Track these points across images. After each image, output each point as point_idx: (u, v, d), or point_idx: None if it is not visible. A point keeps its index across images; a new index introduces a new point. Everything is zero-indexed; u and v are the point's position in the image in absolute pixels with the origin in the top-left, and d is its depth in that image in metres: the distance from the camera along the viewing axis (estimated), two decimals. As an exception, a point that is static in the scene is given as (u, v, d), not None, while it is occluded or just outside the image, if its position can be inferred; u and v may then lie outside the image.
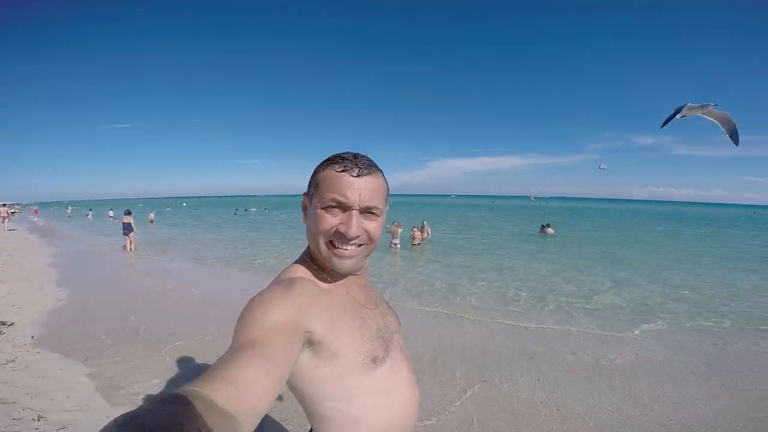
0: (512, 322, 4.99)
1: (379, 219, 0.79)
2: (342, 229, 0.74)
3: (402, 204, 57.37)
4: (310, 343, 0.70)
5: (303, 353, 0.69)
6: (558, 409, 2.84)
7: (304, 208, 0.84)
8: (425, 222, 13.24)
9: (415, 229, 12.44)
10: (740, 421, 2.72)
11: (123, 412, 0.37)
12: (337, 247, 0.76)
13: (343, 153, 0.79)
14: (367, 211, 0.76)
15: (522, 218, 29.58)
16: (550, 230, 16.86)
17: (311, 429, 0.82)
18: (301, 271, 0.82)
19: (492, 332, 4.60)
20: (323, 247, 0.77)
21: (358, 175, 0.75)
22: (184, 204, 61.52)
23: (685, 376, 3.43)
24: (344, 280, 0.85)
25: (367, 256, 0.83)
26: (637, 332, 4.65)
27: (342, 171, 0.75)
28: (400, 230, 11.77)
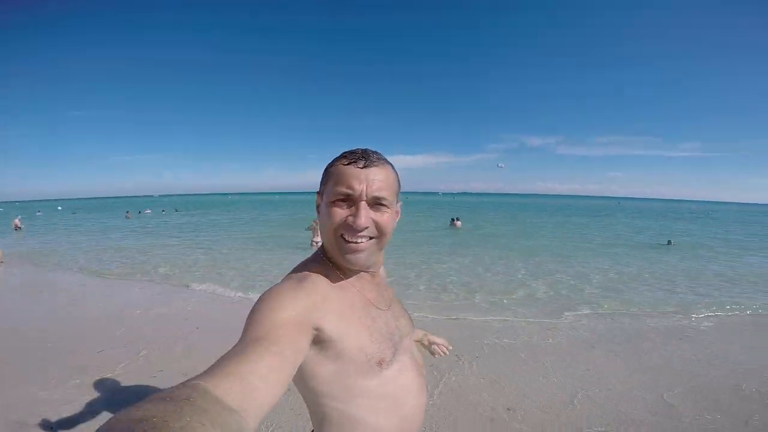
0: (455, 316, 5.20)
1: (389, 211, 0.79)
2: (350, 220, 0.74)
3: (314, 203, 57.32)
4: (317, 341, 0.70)
5: (309, 350, 0.68)
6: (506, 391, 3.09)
7: (318, 207, 0.84)
8: None
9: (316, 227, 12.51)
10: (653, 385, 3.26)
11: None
12: (349, 241, 0.76)
13: (353, 149, 0.80)
14: (376, 203, 0.76)
15: (434, 213, 31.01)
16: (458, 223, 18.34)
17: (312, 430, 0.83)
18: (314, 268, 0.81)
19: (436, 326, 4.67)
20: (335, 241, 0.77)
21: (364, 167, 0.75)
22: (60, 207, 52.63)
23: (604, 352, 3.97)
24: (357, 278, 0.84)
25: (380, 250, 0.83)
26: (564, 317, 5.20)
27: (348, 164, 0.76)
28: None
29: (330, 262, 0.83)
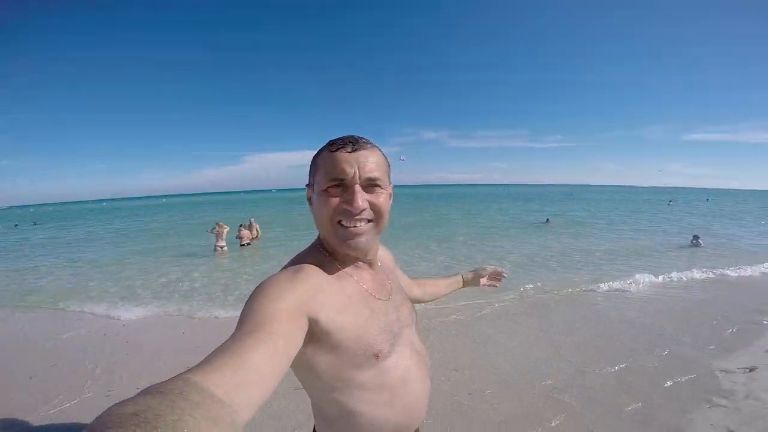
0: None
1: (384, 192, 0.78)
2: (346, 205, 0.73)
3: (218, 203, 53.18)
4: (313, 332, 0.68)
5: (306, 342, 0.66)
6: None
7: (309, 200, 0.83)
8: (252, 219, 12.23)
9: (242, 228, 11.34)
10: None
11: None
12: (347, 226, 0.75)
13: (338, 137, 0.78)
14: (370, 185, 0.76)
15: None
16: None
17: (314, 426, 0.86)
18: (311, 258, 0.80)
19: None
20: (332, 229, 0.76)
21: (353, 150, 0.75)
22: None
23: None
24: (355, 268, 0.83)
25: (378, 234, 0.81)
26: (491, 297, 5.49)
27: (337, 150, 0.75)
28: (225, 230, 10.41)
29: (327, 252, 0.82)
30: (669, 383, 3.07)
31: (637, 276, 6.64)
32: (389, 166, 0.83)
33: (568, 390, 3.00)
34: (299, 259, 0.81)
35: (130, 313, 5.44)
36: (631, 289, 6.11)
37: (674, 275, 6.86)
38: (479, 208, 28.00)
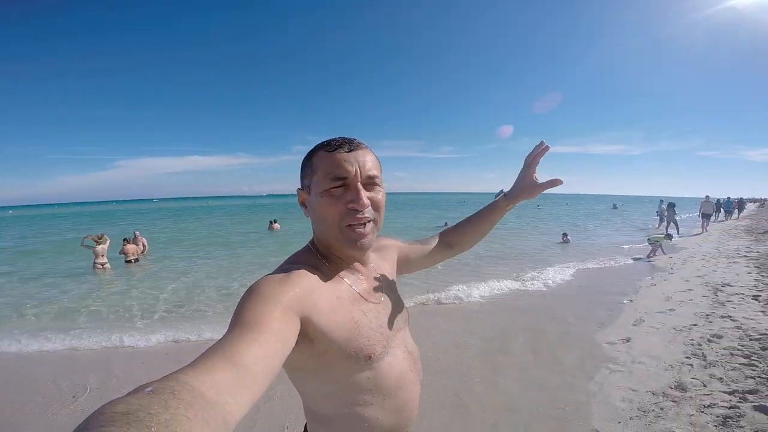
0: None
1: (382, 191, 0.80)
2: (352, 205, 0.73)
3: (82, 215, 44.18)
4: (305, 333, 0.67)
5: (296, 344, 0.64)
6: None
7: (302, 203, 0.83)
8: (137, 232, 10.75)
9: (125, 243, 9.86)
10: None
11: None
12: (354, 228, 0.75)
13: (330, 138, 0.79)
14: (369, 183, 0.77)
15: (245, 217, 30.19)
16: (276, 225, 17.65)
17: (306, 425, 0.87)
18: (304, 260, 0.80)
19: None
20: (339, 232, 0.76)
21: (350, 150, 0.76)
22: None
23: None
24: (348, 270, 0.83)
25: (378, 232, 0.82)
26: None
27: (334, 150, 0.75)
28: (106, 245, 8.94)
29: (319, 254, 0.82)
30: (573, 357, 3.58)
31: (528, 272, 7.67)
32: (381, 166, 0.84)
33: (492, 367, 3.31)
34: (292, 261, 0.81)
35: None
36: (525, 283, 7.00)
37: (552, 268, 8.09)
38: (394, 214, 28.92)
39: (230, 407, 0.43)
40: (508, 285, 6.87)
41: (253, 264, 9.38)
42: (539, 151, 1.03)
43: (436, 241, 1.13)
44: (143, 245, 10.61)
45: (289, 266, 0.76)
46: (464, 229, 1.13)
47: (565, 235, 12.87)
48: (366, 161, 0.76)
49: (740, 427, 2.22)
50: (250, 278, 7.51)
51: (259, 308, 0.60)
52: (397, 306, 0.91)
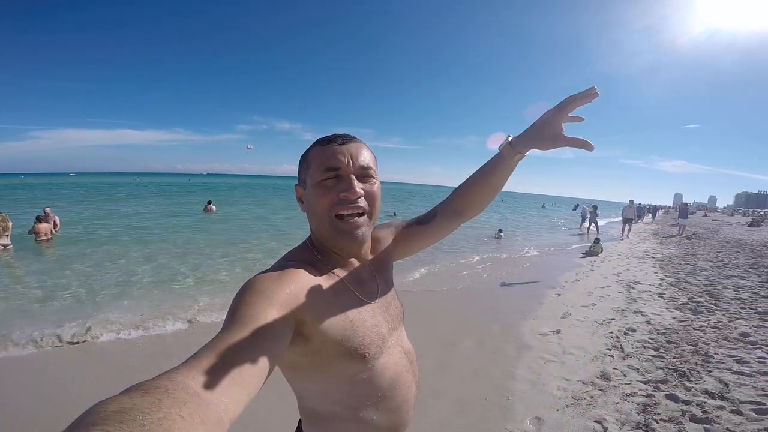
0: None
1: (376, 183, 0.80)
2: (343, 193, 0.74)
3: None
4: (300, 332, 0.67)
5: (291, 342, 0.65)
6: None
7: (299, 199, 0.84)
8: (48, 209, 9.55)
9: (38, 221, 8.75)
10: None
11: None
12: (345, 219, 0.75)
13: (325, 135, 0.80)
14: (363, 174, 0.77)
15: (179, 196, 28.26)
16: (212, 207, 16.71)
17: (300, 420, 0.86)
18: (301, 257, 0.80)
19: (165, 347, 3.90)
20: (329, 223, 0.76)
21: (343, 143, 0.77)
22: None
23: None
24: (344, 268, 0.83)
25: (372, 226, 0.82)
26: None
27: (327, 143, 0.77)
28: (9, 224, 7.83)
29: (317, 251, 0.81)
30: (513, 348, 3.85)
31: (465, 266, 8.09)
32: (376, 161, 0.84)
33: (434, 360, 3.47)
34: (289, 258, 0.81)
35: None
36: (463, 277, 7.34)
37: (489, 263, 8.65)
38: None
39: (225, 405, 0.43)
40: (446, 277, 7.13)
41: (182, 251, 8.54)
42: (587, 95, 0.79)
43: (440, 212, 1.03)
44: (55, 223, 9.48)
45: (285, 263, 0.76)
46: (471, 189, 0.99)
47: (499, 231, 13.74)
48: (359, 153, 0.77)
49: (657, 413, 2.55)
50: (172, 268, 7.05)
51: (255, 306, 0.60)
52: (393, 305, 0.91)
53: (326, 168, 0.75)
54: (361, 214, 0.77)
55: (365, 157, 0.78)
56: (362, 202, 0.76)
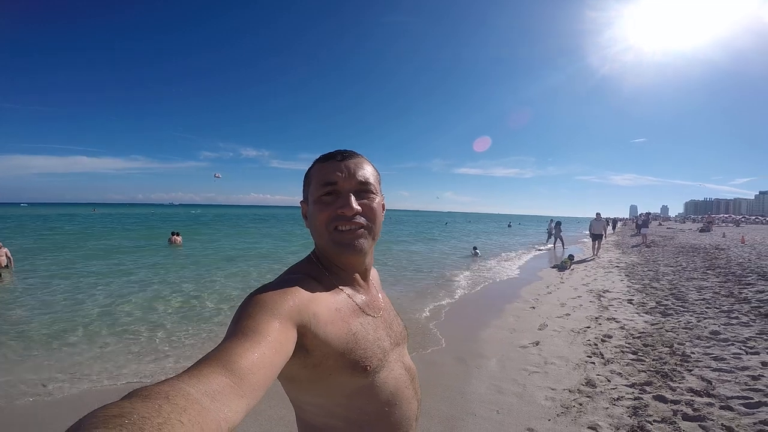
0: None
1: (376, 198, 0.80)
2: (340, 209, 0.75)
3: None
4: (302, 344, 0.65)
5: (294, 353, 0.62)
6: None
7: (304, 215, 0.85)
8: None
9: None
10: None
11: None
12: (343, 231, 0.76)
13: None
14: (361, 190, 0.78)
15: (140, 227, 27.20)
16: (178, 239, 15.71)
17: None
18: (305, 270, 0.80)
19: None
20: (328, 236, 0.77)
21: (342, 159, 0.78)
22: None
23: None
24: (348, 282, 0.82)
25: (373, 240, 0.82)
26: None
27: (327, 160, 0.79)
28: None
29: (320, 265, 0.82)
30: (494, 362, 3.75)
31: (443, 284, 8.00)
32: (380, 177, 0.86)
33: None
34: (292, 271, 0.81)
35: None
36: (441, 295, 7.28)
37: (464, 278, 8.62)
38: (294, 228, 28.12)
39: (225, 414, 0.42)
40: (426, 297, 7.07)
41: (148, 284, 8.01)
42: None
43: None
44: (7, 257, 8.69)
45: (289, 276, 0.76)
46: None
47: (474, 248, 13.93)
48: (358, 169, 0.78)
49: (649, 415, 2.48)
50: (138, 306, 6.50)
51: (258, 317, 0.60)
52: (396, 322, 0.91)
53: (324, 184, 0.76)
54: (358, 228, 0.77)
55: (364, 173, 0.78)
56: (360, 219, 0.76)
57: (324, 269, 0.81)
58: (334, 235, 0.76)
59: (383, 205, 0.84)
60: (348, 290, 0.81)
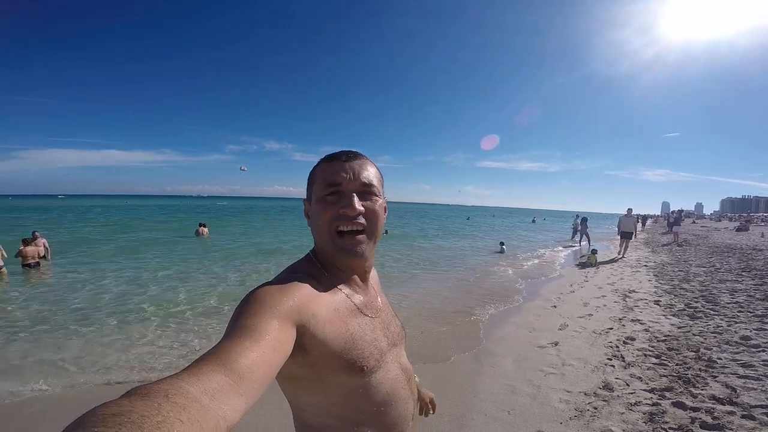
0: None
1: (378, 200, 0.81)
2: (343, 210, 0.75)
3: None
4: (300, 344, 0.66)
5: (292, 352, 0.63)
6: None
7: (306, 214, 0.86)
8: (36, 232, 9.31)
9: (25, 244, 8.49)
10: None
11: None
12: (345, 235, 0.77)
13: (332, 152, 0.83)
14: (364, 191, 0.79)
15: (171, 219, 28.00)
16: (204, 230, 16.25)
17: None
18: (305, 269, 0.80)
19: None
20: (330, 238, 0.78)
21: (347, 160, 0.79)
22: None
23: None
24: (347, 283, 0.83)
25: (374, 243, 0.83)
26: None
27: (332, 160, 0.80)
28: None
29: (320, 264, 0.82)
30: (510, 361, 3.73)
31: (464, 280, 7.91)
32: (383, 178, 0.87)
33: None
34: (293, 270, 0.81)
35: None
36: (461, 290, 7.21)
37: (489, 274, 8.50)
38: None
39: (224, 413, 0.43)
40: (447, 291, 7.05)
41: (174, 278, 8.28)
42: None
43: None
44: (45, 247, 9.23)
45: (288, 275, 0.77)
46: None
47: (501, 243, 13.81)
48: (362, 170, 0.79)
49: (665, 422, 2.42)
50: (167, 293, 6.82)
51: (258, 316, 0.60)
52: (394, 323, 0.92)
53: (328, 184, 0.77)
54: (361, 231, 0.78)
55: (368, 174, 0.79)
56: (362, 219, 0.77)
57: (323, 269, 0.82)
58: (336, 239, 0.77)
59: (385, 207, 0.85)
60: (346, 290, 0.82)
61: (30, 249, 8.44)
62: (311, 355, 0.69)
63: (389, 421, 0.81)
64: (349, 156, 0.80)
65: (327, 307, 0.74)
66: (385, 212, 0.85)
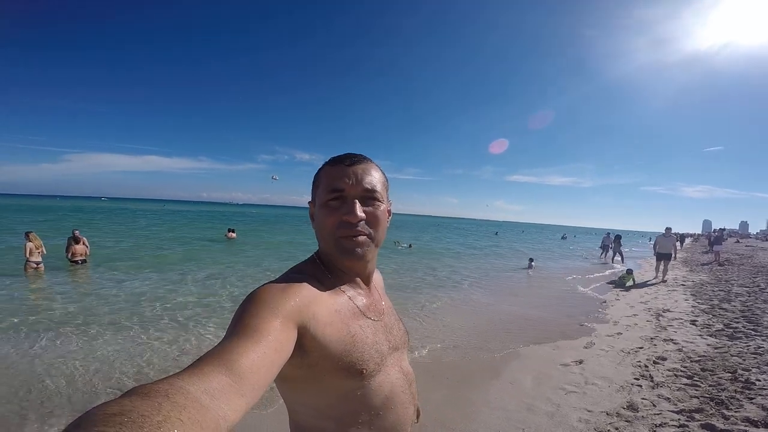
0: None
1: (381, 206, 0.80)
2: (345, 216, 0.75)
3: (29, 209, 39.43)
4: (300, 344, 0.66)
5: (292, 353, 0.63)
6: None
7: (311, 216, 0.85)
8: (77, 231, 9.88)
9: (73, 243, 9.15)
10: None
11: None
12: (347, 239, 0.76)
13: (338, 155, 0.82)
14: (367, 197, 0.78)
15: (201, 224, 29.09)
16: (233, 234, 17.19)
17: None
18: (308, 270, 0.80)
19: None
20: (333, 242, 0.78)
21: (350, 164, 0.78)
22: None
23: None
24: (349, 285, 0.83)
25: (377, 248, 0.82)
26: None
27: (335, 164, 0.79)
28: (40, 242, 8.17)
29: (323, 266, 0.82)
30: (530, 378, 3.61)
31: (489, 296, 7.77)
32: (388, 183, 0.86)
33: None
34: (295, 270, 0.81)
35: None
36: (485, 306, 7.06)
37: (515, 294, 8.31)
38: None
39: (224, 412, 0.43)
40: (471, 306, 6.94)
41: (210, 278, 8.59)
42: None
43: None
44: (84, 244, 9.85)
45: (291, 276, 0.77)
46: None
47: (531, 260, 13.52)
48: (365, 175, 0.78)
49: (690, 444, 2.28)
50: (204, 292, 7.09)
51: (259, 316, 0.60)
52: (397, 327, 0.91)
53: (331, 189, 0.76)
54: (361, 235, 0.78)
55: (371, 180, 0.79)
56: (363, 226, 0.77)
57: (326, 271, 0.81)
58: (339, 242, 0.77)
59: (389, 212, 0.85)
60: (349, 292, 0.82)
61: (79, 247, 9.14)
62: (310, 356, 0.69)
63: (387, 425, 0.80)
64: (353, 160, 0.79)
65: (328, 309, 0.74)
66: (389, 217, 0.85)
